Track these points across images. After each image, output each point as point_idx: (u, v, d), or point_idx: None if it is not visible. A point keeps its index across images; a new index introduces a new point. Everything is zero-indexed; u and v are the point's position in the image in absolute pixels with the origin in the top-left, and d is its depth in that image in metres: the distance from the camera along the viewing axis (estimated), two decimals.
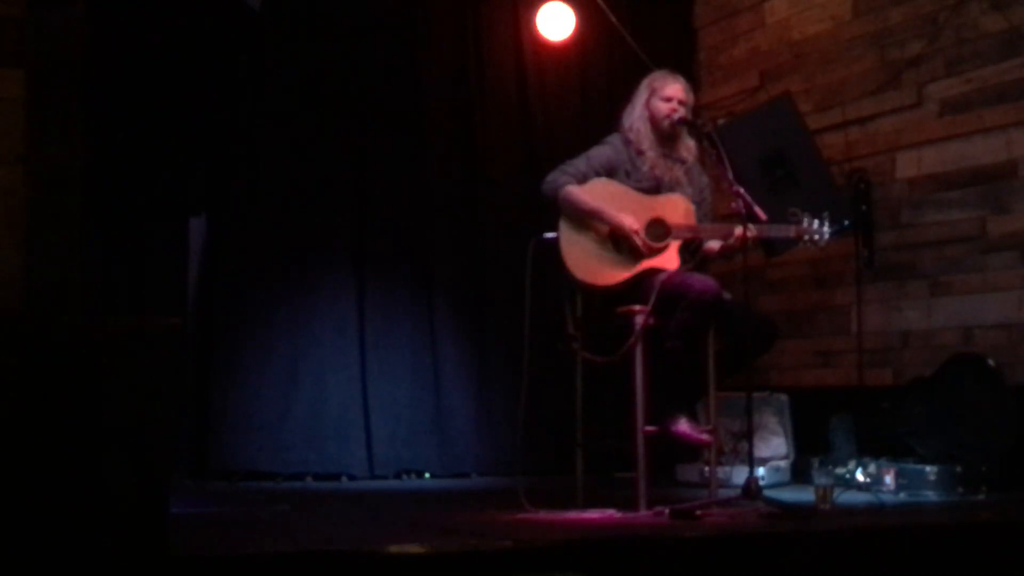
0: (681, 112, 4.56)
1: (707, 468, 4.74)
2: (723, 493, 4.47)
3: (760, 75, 6.62)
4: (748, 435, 4.20)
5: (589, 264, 4.41)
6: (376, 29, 6.23)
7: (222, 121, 5.10)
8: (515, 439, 4.61)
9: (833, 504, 4.35)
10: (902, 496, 4.87)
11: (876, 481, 5.02)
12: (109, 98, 4.32)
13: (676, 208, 4.44)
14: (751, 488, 4.06)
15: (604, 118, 5.28)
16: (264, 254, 5.88)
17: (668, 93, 4.57)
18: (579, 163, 4.52)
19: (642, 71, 5.04)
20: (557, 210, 4.46)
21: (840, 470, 5.15)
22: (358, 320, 6.04)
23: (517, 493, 4.26)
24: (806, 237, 4.48)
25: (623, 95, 4.79)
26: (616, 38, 6.62)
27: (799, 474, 5.58)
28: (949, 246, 5.60)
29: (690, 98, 4.62)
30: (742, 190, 4.29)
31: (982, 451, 4.96)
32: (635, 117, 4.59)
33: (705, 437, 4.37)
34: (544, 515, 4.07)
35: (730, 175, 4.32)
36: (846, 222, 5.52)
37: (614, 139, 4.62)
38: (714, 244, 4.53)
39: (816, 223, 4.48)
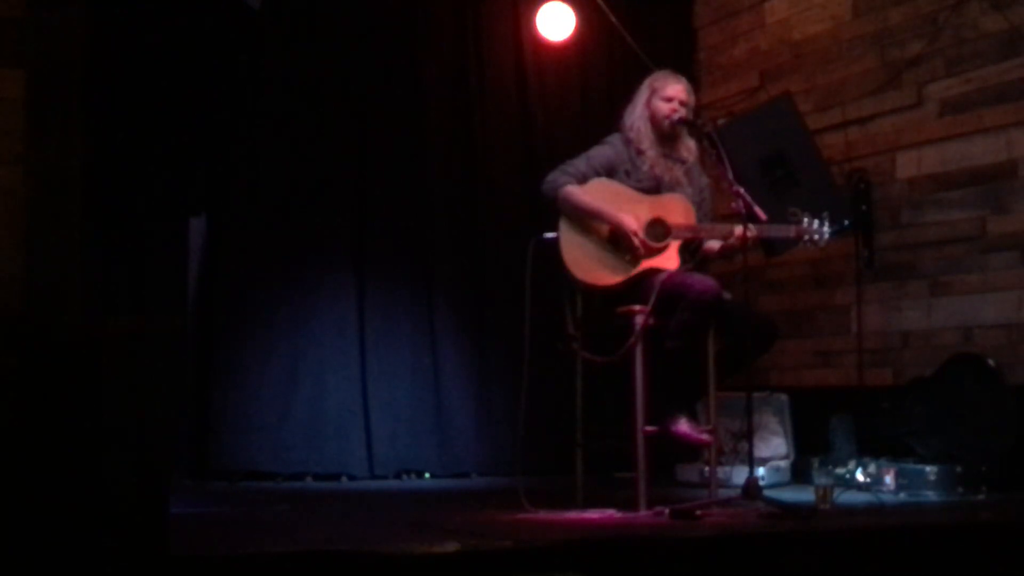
0: (682, 112, 4.55)
1: (707, 468, 4.73)
2: (723, 493, 4.47)
3: (760, 75, 6.62)
4: (748, 435, 4.19)
5: (589, 264, 4.41)
6: (376, 29, 6.23)
7: (222, 121, 5.11)
8: (515, 439, 4.61)
9: (833, 504, 4.35)
10: (902, 496, 4.86)
11: (876, 481, 5.02)
12: (109, 98, 4.32)
13: (676, 208, 4.44)
14: (751, 488, 4.05)
15: (604, 118, 5.27)
16: (264, 254, 5.88)
17: (669, 93, 4.56)
18: (579, 163, 4.52)
19: (642, 71, 5.04)
20: (557, 210, 4.46)
21: (840, 470, 5.15)
22: (358, 320, 6.03)
23: (517, 493, 4.25)
24: (806, 237, 4.48)
25: (623, 95, 4.78)
26: (616, 38, 6.61)
27: (799, 474, 5.57)
28: (949, 246, 5.59)
29: (691, 99, 4.62)
30: (742, 190, 4.29)
31: (982, 451, 4.96)
32: (636, 117, 4.58)
33: (705, 437, 4.37)
34: (544, 515, 4.07)
35: (730, 175, 4.32)
36: (846, 222, 5.52)
37: (614, 139, 4.62)
38: (714, 244, 4.53)
39: (816, 223, 4.48)
